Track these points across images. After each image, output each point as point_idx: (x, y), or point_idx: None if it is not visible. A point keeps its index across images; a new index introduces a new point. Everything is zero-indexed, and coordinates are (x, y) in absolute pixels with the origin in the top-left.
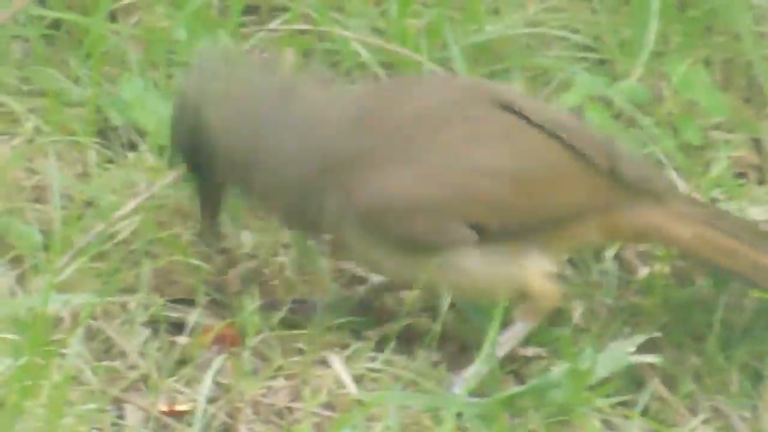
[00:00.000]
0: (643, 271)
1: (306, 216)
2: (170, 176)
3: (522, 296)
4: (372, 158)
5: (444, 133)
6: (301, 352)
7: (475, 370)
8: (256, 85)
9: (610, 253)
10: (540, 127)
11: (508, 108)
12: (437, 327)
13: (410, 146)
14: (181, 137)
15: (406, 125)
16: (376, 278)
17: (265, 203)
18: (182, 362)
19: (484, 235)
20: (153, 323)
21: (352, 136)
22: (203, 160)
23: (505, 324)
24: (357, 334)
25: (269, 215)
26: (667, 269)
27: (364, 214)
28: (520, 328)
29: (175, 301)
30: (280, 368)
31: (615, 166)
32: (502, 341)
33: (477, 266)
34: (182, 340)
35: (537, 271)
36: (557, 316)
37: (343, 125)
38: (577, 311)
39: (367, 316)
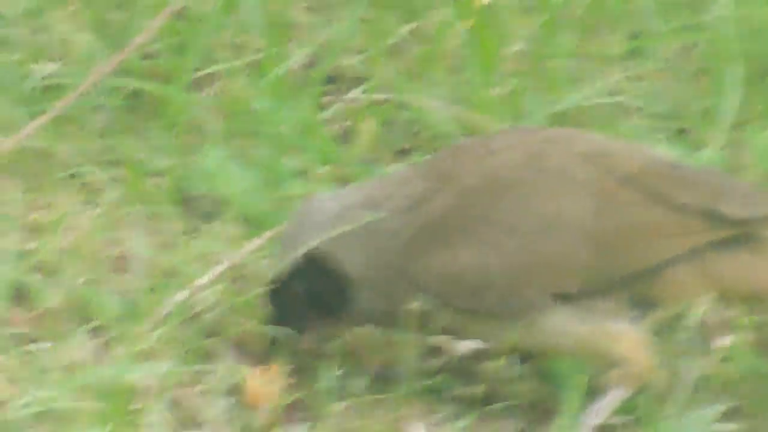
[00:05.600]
0: (727, 339)
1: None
2: (251, 246)
3: (613, 363)
4: (434, 234)
5: (513, 191)
6: (383, 420)
7: None
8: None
9: (694, 320)
10: (622, 175)
11: (591, 157)
12: (520, 394)
13: (475, 212)
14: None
15: (470, 189)
16: (458, 347)
17: (362, 319)
18: (263, 431)
19: (568, 298)
20: (234, 392)
21: (409, 218)
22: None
23: (591, 391)
24: (439, 402)
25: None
26: (750, 337)
27: (435, 294)
28: (614, 396)
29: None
30: None
31: (716, 205)
32: (597, 409)
33: (562, 328)
34: (264, 408)
35: (626, 335)
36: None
37: (399, 215)
38: (660, 378)
39: (449, 384)
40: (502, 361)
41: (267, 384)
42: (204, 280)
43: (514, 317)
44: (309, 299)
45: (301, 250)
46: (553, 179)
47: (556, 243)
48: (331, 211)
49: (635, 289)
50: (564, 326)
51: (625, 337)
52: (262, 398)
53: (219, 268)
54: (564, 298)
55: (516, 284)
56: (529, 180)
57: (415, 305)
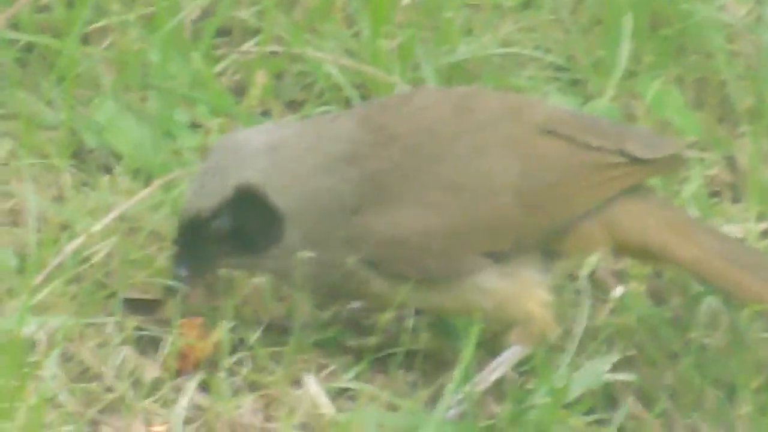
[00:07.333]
0: (618, 290)
1: (330, 275)
2: (142, 194)
3: (519, 321)
4: (375, 194)
5: (451, 148)
6: (277, 371)
7: (457, 392)
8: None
9: (584, 272)
10: (539, 127)
11: (507, 111)
12: (414, 346)
13: (417, 171)
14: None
15: (411, 146)
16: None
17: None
18: (158, 383)
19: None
20: (128, 344)
21: (348, 170)
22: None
23: (485, 345)
24: (333, 354)
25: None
26: (642, 288)
27: (372, 259)
28: (514, 353)
29: (150, 322)
30: (256, 388)
31: (624, 148)
32: (495, 365)
33: (490, 287)
34: (158, 360)
35: (535, 294)
36: None
37: (336, 161)
38: (555, 330)
39: (343, 337)
40: (392, 314)
41: (200, 337)
42: (96, 228)
43: (446, 282)
44: (232, 233)
45: (231, 182)
46: (483, 134)
47: (492, 202)
48: (261, 144)
49: (550, 242)
50: (491, 284)
51: (535, 296)
52: (196, 351)
53: (111, 216)
54: (494, 257)
55: (454, 246)
56: (463, 135)
57: (349, 264)
